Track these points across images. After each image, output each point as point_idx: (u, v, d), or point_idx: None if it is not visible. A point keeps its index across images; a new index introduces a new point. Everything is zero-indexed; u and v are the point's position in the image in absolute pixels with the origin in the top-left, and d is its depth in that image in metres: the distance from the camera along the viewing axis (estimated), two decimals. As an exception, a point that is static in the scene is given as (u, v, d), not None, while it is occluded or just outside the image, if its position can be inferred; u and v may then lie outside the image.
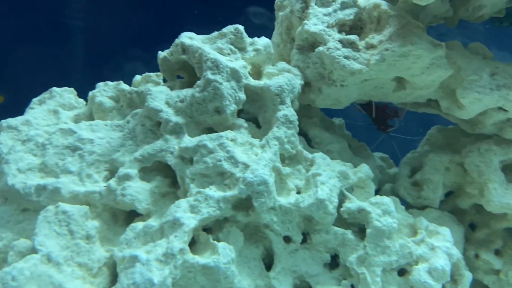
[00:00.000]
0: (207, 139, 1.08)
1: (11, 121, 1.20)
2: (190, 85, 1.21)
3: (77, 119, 1.28)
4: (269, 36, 1.31)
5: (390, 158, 1.75)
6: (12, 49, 2.85)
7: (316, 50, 1.20)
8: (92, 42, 3.03)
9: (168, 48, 1.27)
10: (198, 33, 1.25)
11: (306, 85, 1.28)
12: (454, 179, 1.34)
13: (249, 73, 1.20)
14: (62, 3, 2.95)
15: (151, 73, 1.36)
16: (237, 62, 1.17)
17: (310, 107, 1.37)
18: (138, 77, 1.39)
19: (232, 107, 1.12)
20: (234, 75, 1.13)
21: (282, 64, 1.26)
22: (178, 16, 2.95)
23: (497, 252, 1.32)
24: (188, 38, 1.21)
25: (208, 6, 2.98)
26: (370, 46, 1.17)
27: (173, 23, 2.89)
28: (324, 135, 1.34)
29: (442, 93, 1.25)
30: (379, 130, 1.47)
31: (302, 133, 1.27)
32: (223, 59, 1.14)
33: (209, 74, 1.11)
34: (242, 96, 1.14)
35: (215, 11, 2.96)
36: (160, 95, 1.17)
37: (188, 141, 1.09)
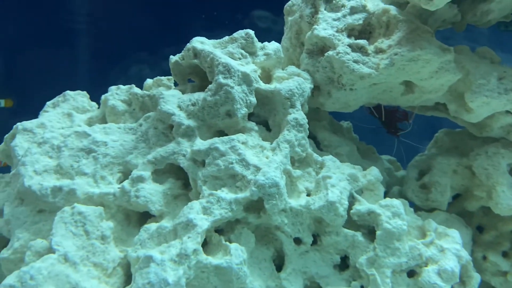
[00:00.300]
0: (219, 142, 1.10)
1: (27, 124, 1.23)
2: (201, 89, 1.24)
3: (90, 122, 1.30)
4: (273, 38, 1.33)
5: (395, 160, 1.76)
6: (20, 53, 2.89)
7: (326, 54, 1.22)
8: (100, 45, 3.07)
9: (174, 51, 1.30)
10: (204, 37, 1.27)
11: (316, 89, 1.29)
12: (461, 181, 1.35)
13: (259, 77, 1.22)
14: (68, 8, 2.99)
15: (163, 77, 1.38)
16: (248, 66, 1.19)
17: (319, 110, 1.39)
18: (149, 81, 1.41)
19: (243, 111, 1.14)
20: (245, 79, 1.15)
21: (292, 68, 1.28)
22: (185, 20, 2.99)
23: (505, 254, 1.33)
24: (199, 42, 1.24)
25: (214, 10, 3.01)
26: (379, 51, 1.19)
27: (180, 26, 2.92)
28: (333, 138, 1.36)
29: (450, 97, 1.26)
30: (389, 133, 1.48)
31: (311, 136, 1.29)
32: (234, 63, 1.16)
33: (220, 78, 1.13)
34: (253, 99, 1.16)
35: (222, 15, 3.00)
36: (172, 98, 1.19)
37: (200, 144, 1.11)
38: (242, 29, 1.26)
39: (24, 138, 1.20)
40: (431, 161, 1.40)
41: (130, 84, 1.35)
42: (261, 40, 1.29)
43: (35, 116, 1.32)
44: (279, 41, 1.47)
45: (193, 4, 3.01)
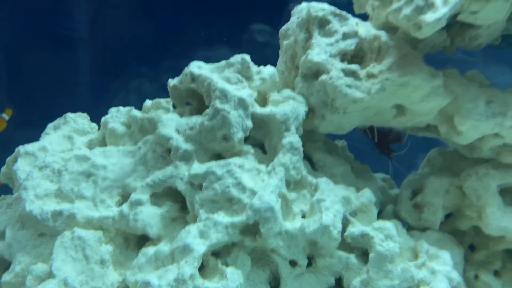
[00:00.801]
0: (216, 166, 1.13)
1: (28, 147, 1.26)
2: (198, 111, 1.27)
3: (90, 144, 1.33)
4: (272, 52, 1.36)
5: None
6: (20, 65, 2.93)
7: (320, 79, 1.26)
8: (99, 59, 3.10)
9: (174, 65, 1.33)
10: (204, 52, 1.31)
11: (310, 111, 1.33)
12: (453, 201, 1.38)
13: (255, 100, 1.25)
14: (69, 19, 3.03)
15: (161, 99, 1.42)
16: (244, 91, 1.22)
17: (314, 131, 1.42)
18: (148, 103, 1.45)
19: (240, 135, 1.17)
20: (242, 103, 1.18)
21: (287, 92, 1.31)
22: (184, 34, 3.03)
23: (496, 273, 1.35)
24: (197, 67, 1.27)
25: (213, 24, 3.05)
26: (371, 75, 1.22)
27: (180, 42, 2.97)
28: (328, 159, 1.38)
29: (441, 119, 1.30)
30: (382, 154, 1.51)
31: (306, 157, 1.32)
32: (231, 88, 1.19)
33: (217, 103, 1.16)
34: (249, 123, 1.19)
35: (221, 29, 3.04)
36: (170, 122, 1.22)
37: (198, 167, 1.14)
38: (241, 43, 1.30)
39: (25, 162, 1.23)
40: (424, 180, 1.43)
41: (129, 98, 1.38)
42: (260, 54, 1.32)
43: (35, 129, 1.35)
44: (277, 54, 1.51)
45: (193, 19, 3.06)
